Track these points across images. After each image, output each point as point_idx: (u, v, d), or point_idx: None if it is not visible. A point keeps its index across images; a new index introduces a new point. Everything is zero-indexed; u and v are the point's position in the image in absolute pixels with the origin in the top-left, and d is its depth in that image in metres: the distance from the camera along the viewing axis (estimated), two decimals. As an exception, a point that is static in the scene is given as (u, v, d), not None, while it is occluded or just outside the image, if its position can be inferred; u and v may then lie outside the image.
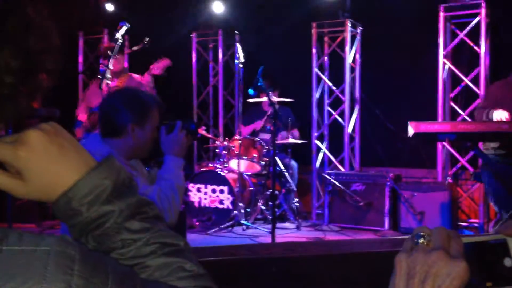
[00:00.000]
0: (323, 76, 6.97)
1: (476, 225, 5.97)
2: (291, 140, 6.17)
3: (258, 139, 6.09)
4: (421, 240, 0.75)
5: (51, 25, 0.73)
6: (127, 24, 5.31)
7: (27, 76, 0.69)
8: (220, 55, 7.82)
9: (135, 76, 5.72)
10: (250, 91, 5.70)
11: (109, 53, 5.34)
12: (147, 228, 0.82)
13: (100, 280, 0.67)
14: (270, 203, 5.56)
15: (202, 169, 6.37)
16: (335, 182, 5.97)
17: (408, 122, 4.04)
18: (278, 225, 5.50)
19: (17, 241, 0.64)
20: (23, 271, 0.62)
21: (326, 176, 6.11)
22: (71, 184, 0.78)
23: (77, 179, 0.78)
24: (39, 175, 0.78)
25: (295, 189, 6.28)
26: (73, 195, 0.78)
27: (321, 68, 7.01)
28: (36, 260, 0.63)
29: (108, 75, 5.22)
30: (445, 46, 6.17)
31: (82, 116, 5.66)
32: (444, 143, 5.99)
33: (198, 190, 6.02)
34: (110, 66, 5.23)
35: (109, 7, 7.78)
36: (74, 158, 0.80)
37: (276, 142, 5.38)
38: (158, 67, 5.61)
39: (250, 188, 5.98)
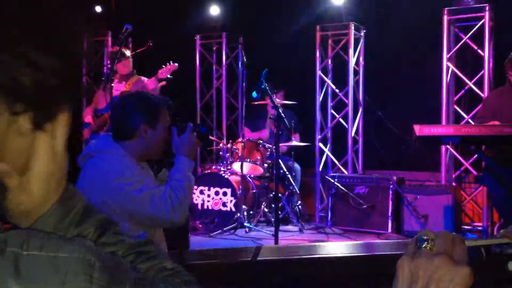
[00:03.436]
0: (326, 79, 6.97)
1: (479, 228, 5.96)
2: (294, 143, 6.17)
3: (261, 141, 6.10)
4: (424, 244, 0.74)
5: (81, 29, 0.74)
6: (131, 27, 5.33)
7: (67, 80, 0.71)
8: (224, 58, 7.83)
9: (144, 78, 5.79)
10: (254, 93, 5.70)
11: (115, 56, 5.42)
12: (120, 240, 0.83)
13: (118, 287, 0.67)
14: (273, 205, 5.56)
15: (205, 171, 6.38)
16: (338, 184, 5.97)
17: (412, 125, 4.04)
18: (281, 227, 5.49)
19: (38, 247, 0.64)
20: (43, 278, 0.62)
21: (329, 178, 6.11)
22: (46, 209, 0.76)
23: (52, 204, 0.77)
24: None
25: (298, 191, 6.28)
26: (46, 221, 0.76)
27: (324, 71, 7.00)
28: (56, 267, 0.63)
29: (113, 78, 5.26)
30: (449, 50, 6.16)
31: (88, 118, 5.82)
32: (448, 146, 5.97)
33: (202, 192, 6.02)
34: (115, 69, 5.29)
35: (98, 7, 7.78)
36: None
37: (280, 145, 5.38)
38: (165, 71, 5.66)
39: (253, 190, 5.98)
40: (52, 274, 0.63)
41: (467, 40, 6.07)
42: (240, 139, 6.07)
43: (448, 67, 6.14)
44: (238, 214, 5.77)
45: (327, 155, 6.96)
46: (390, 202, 5.75)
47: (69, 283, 0.63)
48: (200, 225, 5.90)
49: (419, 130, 4.00)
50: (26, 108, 0.68)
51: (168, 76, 5.69)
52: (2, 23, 0.65)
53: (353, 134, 6.69)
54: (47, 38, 0.69)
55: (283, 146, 6.15)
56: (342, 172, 6.64)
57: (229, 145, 6.12)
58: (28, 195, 0.74)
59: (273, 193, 5.32)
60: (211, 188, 5.98)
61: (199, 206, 6.01)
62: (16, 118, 0.69)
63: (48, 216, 0.76)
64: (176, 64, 5.69)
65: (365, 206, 5.81)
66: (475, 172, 5.96)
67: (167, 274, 0.84)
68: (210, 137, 6.59)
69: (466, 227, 5.98)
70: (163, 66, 5.68)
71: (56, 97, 0.71)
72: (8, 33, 0.66)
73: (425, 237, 0.75)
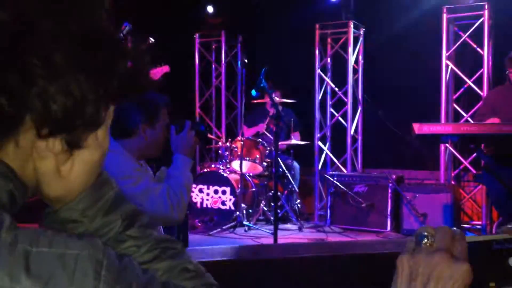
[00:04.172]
0: (325, 77, 6.97)
1: (478, 227, 5.96)
2: (293, 142, 6.17)
3: (260, 140, 6.10)
4: (424, 241, 0.74)
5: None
6: (130, 25, 5.32)
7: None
8: (223, 56, 7.82)
9: None
10: (253, 92, 5.71)
11: None
12: (147, 235, 0.83)
13: (124, 286, 0.67)
14: (272, 204, 5.56)
15: (204, 169, 6.38)
16: (338, 183, 5.97)
17: (411, 123, 4.03)
18: (280, 226, 5.50)
19: (47, 244, 0.64)
20: (51, 275, 0.63)
21: (329, 177, 6.11)
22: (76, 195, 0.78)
23: (81, 191, 0.78)
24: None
25: (297, 190, 6.28)
26: (75, 206, 0.78)
27: (323, 69, 7.00)
28: (65, 264, 0.64)
29: None
30: (448, 48, 6.16)
31: None
32: (447, 145, 5.98)
33: (201, 190, 6.02)
34: None
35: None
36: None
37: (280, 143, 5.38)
38: (156, 72, 5.62)
39: (252, 189, 5.98)
40: (60, 270, 0.63)
41: (466, 39, 6.07)
42: (239, 138, 6.07)
43: (447, 66, 6.14)
44: (237, 213, 5.77)
45: (326, 153, 6.96)
46: (389, 201, 5.75)
47: (77, 280, 0.64)
48: (199, 224, 5.90)
49: (418, 128, 4.00)
50: (53, 133, 0.69)
51: (160, 78, 5.64)
52: (61, 57, 0.67)
53: (352, 133, 6.69)
54: (90, 71, 0.70)
55: (282, 144, 6.15)
56: (341, 171, 6.63)
57: (228, 144, 6.11)
58: (66, 183, 0.75)
59: (272, 191, 5.32)
60: (210, 186, 5.98)
61: (198, 205, 6.01)
62: (42, 141, 0.70)
63: (78, 201, 0.78)
64: (168, 66, 5.66)
65: (364, 205, 5.81)
66: (474, 171, 5.96)
67: (188, 276, 0.83)
68: (209, 136, 6.59)
69: (465, 225, 5.99)
70: (155, 66, 5.64)
71: (87, 123, 0.71)
72: (61, 66, 0.67)
73: (424, 234, 0.74)
